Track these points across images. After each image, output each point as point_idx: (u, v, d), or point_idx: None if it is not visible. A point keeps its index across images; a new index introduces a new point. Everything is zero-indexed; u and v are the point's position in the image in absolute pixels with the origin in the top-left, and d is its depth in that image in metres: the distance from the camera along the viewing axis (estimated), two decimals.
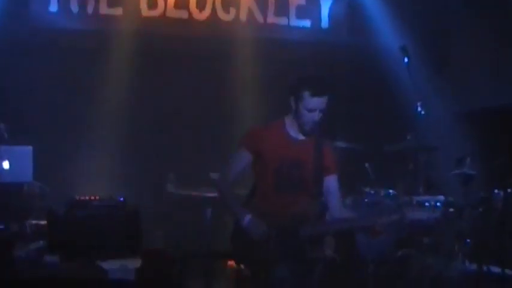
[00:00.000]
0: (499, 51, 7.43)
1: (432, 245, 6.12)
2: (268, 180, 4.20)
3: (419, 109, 5.88)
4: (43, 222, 5.44)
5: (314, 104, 4.10)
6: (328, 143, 4.38)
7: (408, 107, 6.16)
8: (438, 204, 6.00)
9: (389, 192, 6.43)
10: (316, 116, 4.13)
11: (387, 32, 7.80)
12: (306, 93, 4.10)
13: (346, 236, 5.69)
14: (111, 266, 4.59)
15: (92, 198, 5.47)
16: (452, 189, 6.20)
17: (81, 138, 6.93)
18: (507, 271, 5.61)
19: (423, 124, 5.96)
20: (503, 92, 7.14)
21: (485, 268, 5.73)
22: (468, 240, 5.99)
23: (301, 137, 4.24)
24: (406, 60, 5.52)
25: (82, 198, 5.46)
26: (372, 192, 6.46)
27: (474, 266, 5.98)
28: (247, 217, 4.08)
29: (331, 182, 4.30)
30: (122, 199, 5.47)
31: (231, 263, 5.16)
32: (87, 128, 6.97)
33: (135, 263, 4.62)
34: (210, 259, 5.83)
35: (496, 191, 5.88)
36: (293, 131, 4.26)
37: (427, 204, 5.87)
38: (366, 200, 6.36)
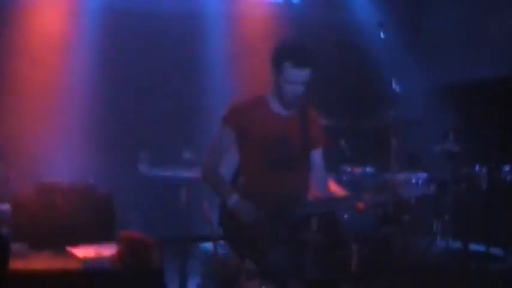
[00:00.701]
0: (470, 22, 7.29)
1: (413, 222, 6.00)
2: (255, 159, 3.97)
3: (394, 86, 5.83)
4: (6, 207, 5.07)
5: (295, 77, 3.86)
6: (313, 114, 4.14)
7: (385, 83, 5.97)
8: (420, 181, 5.89)
9: (367, 171, 6.28)
10: (298, 89, 3.89)
11: (362, 7, 7.64)
12: (286, 65, 3.85)
13: (329, 214, 5.53)
14: (83, 252, 4.27)
15: (60, 181, 5.14)
16: (434, 165, 6.06)
17: (47, 117, 6.56)
18: (492, 249, 5.51)
19: (401, 100, 5.85)
20: (475, 64, 7.02)
21: (469, 246, 5.65)
22: (451, 217, 5.89)
23: (285, 112, 4.00)
24: (382, 36, 5.46)
25: (49, 181, 5.15)
26: (349, 170, 6.28)
27: (458, 244, 5.89)
28: (234, 198, 3.85)
29: (316, 155, 4.09)
30: (91, 181, 5.15)
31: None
32: (54, 106, 6.62)
33: (109, 248, 4.30)
34: (189, 243, 5.56)
35: (478, 167, 5.75)
36: (275, 106, 4.01)
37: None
38: (344, 178, 6.19)
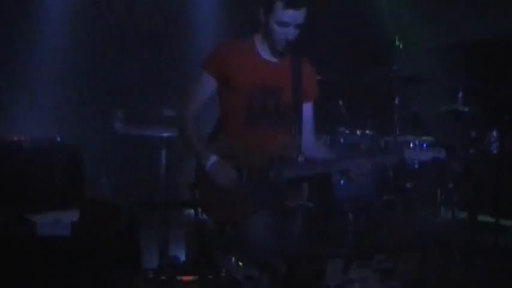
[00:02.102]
0: None
1: (416, 190, 5.52)
2: (238, 112, 3.41)
3: (397, 43, 5.50)
4: None
5: (287, 17, 3.29)
6: (307, 64, 3.57)
7: (388, 40, 5.62)
8: (425, 146, 5.38)
9: (367, 133, 5.76)
10: (291, 32, 3.32)
11: None
12: (278, 4, 3.27)
13: (322, 180, 5.02)
14: (44, 219, 3.74)
15: (22, 139, 4.57)
16: (441, 128, 5.55)
17: (9, 67, 6.02)
18: (501, 221, 5.01)
19: (405, 57, 5.47)
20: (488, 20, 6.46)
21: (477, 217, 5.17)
22: (457, 186, 5.40)
23: (275, 59, 3.44)
24: None
25: (9, 138, 4.60)
26: (347, 132, 5.77)
27: (464, 215, 5.41)
28: (212, 159, 3.32)
29: (307, 110, 3.55)
30: (59, 140, 4.58)
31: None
32: (23, 61, 6.06)
33: (71, 214, 3.77)
34: (167, 210, 5.04)
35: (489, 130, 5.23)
36: (265, 52, 3.45)
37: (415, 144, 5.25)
38: (341, 140, 5.67)
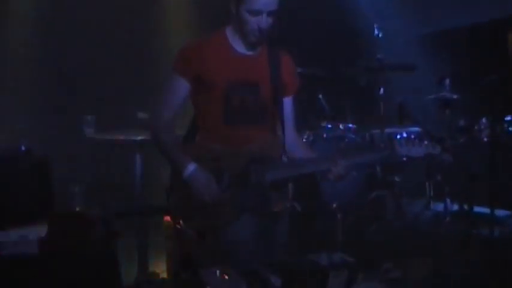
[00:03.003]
0: None
1: (406, 184, 5.29)
2: (215, 111, 3.14)
3: (376, 32, 5.36)
4: None
5: (259, 5, 3.01)
6: (285, 55, 3.29)
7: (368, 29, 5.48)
8: (414, 138, 5.14)
9: (350, 126, 5.52)
10: (263, 21, 3.04)
11: None
12: None
13: (307, 179, 4.76)
14: (7, 237, 3.42)
15: None
16: (427, 118, 5.29)
17: None
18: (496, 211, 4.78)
19: (387, 46, 5.32)
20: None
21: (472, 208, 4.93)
22: (446, 177, 5.17)
23: (250, 52, 3.16)
24: None
25: None
26: (330, 126, 5.51)
27: (456, 206, 5.18)
28: (190, 167, 3.06)
29: (287, 104, 3.28)
30: (23, 148, 4.26)
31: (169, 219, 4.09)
32: None
33: (39, 230, 3.46)
34: (145, 218, 4.75)
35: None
36: (238, 45, 3.16)
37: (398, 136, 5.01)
38: (324, 135, 5.42)
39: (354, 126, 5.53)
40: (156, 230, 4.67)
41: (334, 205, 4.88)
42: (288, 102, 3.29)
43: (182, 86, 3.16)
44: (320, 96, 5.71)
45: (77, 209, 4.16)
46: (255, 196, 3.00)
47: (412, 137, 4.67)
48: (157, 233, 4.60)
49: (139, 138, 4.79)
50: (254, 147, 3.08)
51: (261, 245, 3.01)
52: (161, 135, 3.18)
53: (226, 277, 2.47)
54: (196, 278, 2.52)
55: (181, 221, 3.11)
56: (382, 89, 5.22)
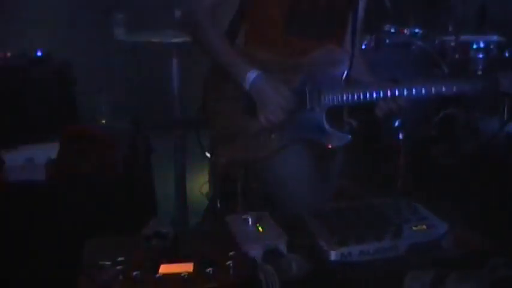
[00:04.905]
0: None
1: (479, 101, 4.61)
2: (276, 16, 2.39)
3: None
4: None
5: None
6: None
7: None
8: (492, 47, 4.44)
9: (416, 31, 4.80)
10: None
11: None
12: None
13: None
14: (13, 157, 2.93)
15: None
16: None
17: None
18: None
19: None
20: None
21: None
22: None
23: None
24: None
25: None
26: (393, 31, 4.85)
27: None
28: (253, 74, 2.30)
29: (360, 10, 2.53)
30: (40, 54, 3.70)
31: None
32: None
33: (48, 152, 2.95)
34: (180, 131, 4.22)
35: None
36: None
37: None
38: (387, 41, 4.73)
39: (422, 31, 4.84)
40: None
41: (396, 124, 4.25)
42: (361, 6, 2.54)
43: None
44: None
45: (103, 121, 3.68)
46: (306, 123, 2.37)
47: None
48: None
49: (177, 40, 4.20)
50: (315, 61, 2.37)
51: (311, 184, 2.39)
52: (208, 29, 2.37)
53: (261, 229, 1.92)
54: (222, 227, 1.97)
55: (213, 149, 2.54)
56: None
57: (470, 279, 1.33)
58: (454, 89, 2.32)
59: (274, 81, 2.29)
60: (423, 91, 2.32)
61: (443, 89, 2.32)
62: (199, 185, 4.27)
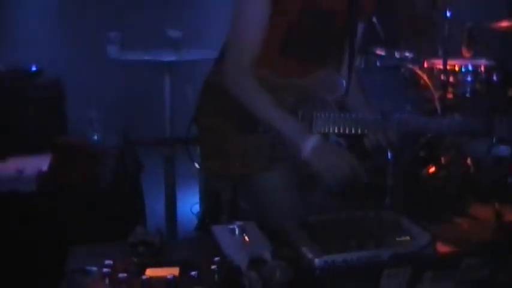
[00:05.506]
0: None
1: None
2: (275, 36, 2.37)
3: None
4: None
5: None
6: None
7: None
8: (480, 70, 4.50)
9: (407, 56, 4.85)
10: None
11: None
12: None
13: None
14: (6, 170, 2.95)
15: None
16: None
17: None
18: None
19: None
20: None
21: None
22: None
23: None
24: None
25: None
26: (384, 54, 4.89)
27: None
28: (314, 139, 2.28)
29: (359, 32, 2.56)
30: (34, 68, 3.75)
31: None
32: None
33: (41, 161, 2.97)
34: (174, 148, 4.27)
35: None
36: None
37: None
38: (378, 64, 4.79)
39: (412, 54, 4.90)
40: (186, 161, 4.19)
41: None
42: (360, 29, 2.55)
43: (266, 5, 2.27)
44: (374, 19, 5.06)
45: (95, 137, 3.70)
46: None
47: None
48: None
49: (169, 59, 4.26)
50: (311, 83, 2.39)
51: (297, 202, 2.40)
52: (255, 95, 2.29)
53: (247, 238, 1.95)
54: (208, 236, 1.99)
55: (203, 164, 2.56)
56: (448, 12, 4.50)
57: (446, 277, 1.36)
58: (446, 130, 2.37)
59: (332, 146, 2.32)
60: (414, 129, 2.36)
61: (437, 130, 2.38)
62: (190, 204, 4.28)
